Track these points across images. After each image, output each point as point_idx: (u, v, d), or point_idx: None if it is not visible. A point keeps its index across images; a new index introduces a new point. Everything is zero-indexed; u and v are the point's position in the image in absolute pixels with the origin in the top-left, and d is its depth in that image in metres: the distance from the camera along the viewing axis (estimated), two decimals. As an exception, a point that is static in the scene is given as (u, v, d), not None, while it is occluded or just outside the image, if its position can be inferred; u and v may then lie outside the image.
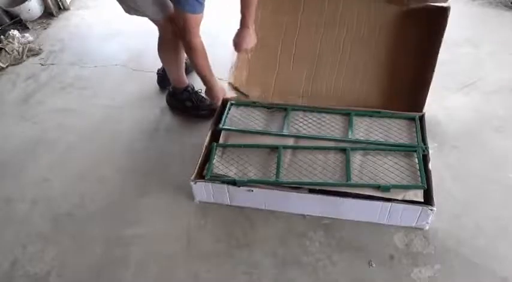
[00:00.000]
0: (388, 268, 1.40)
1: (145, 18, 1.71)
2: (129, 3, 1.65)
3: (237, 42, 1.75)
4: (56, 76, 2.36)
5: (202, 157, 1.60)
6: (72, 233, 1.58)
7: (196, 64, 1.65)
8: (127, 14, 1.71)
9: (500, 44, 2.35)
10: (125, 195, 1.69)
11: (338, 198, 1.46)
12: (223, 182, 1.52)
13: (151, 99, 2.14)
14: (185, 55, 1.87)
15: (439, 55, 2.36)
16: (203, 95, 1.94)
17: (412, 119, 1.71)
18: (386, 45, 1.82)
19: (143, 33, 1.95)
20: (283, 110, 1.78)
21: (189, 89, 1.97)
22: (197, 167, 1.56)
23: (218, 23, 2.44)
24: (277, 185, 1.51)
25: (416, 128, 1.66)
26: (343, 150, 1.60)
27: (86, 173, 1.79)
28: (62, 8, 2.95)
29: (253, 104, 1.82)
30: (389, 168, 1.53)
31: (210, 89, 1.77)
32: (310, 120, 1.73)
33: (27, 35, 2.65)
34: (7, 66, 2.45)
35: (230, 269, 1.43)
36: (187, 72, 2.22)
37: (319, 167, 1.56)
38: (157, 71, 2.16)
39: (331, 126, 1.71)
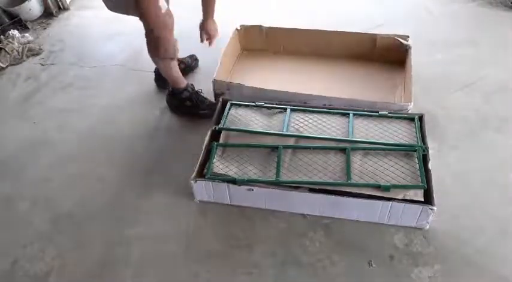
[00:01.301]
0: (388, 268, 1.40)
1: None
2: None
3: (211, 34, 1.98)
4: (56, 76, 2.36)
5: (203, 157, 1.60)
6: (72, 233, 1.57)
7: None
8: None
9: (500, 44, 2.35)
10: (124, 195, 1.69)
11: (338, 197, 1.46)
12: (223, 181, 1.52)
13: (151, 99, 2.15)
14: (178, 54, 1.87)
15: (439, 55, 2.38)
16: (203, 94, 1.95)
17: (412, 119, 1.71)
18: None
19: (143, 33, 1.95)
20: (283, 110, 1.78)
21: (189, 88, 1.96)
22: (197, 167, 1.56)
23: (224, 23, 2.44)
24: (278, 184, 1.51)
25: (416, 128, 1.66)
26: (343, 150, 1.60)
27: (86, 173, 1.79)
28: (62, 8, 2.95)
29: (253, 104, 1.82)
30: (389, 168, 1.53)
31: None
32: (310, 121, 1.73)
33: (27, 35, 2.65)
34: (7, 66, 2.45)
35: (230, 269, 1.43)
36: (187, 72, 2.23)
37: (319, 166, 1.56)
38: (155, 69, 2.16)
39: (331, 126, 1.71)
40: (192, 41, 2.53)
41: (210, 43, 2.04)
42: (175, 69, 1.89)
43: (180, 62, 2.18)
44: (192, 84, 1.99)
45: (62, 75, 2.36)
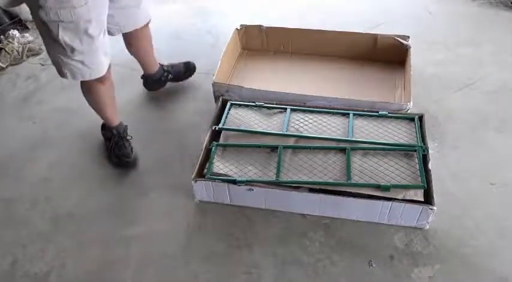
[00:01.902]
0: (388, 268, 1.40)
1: None
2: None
3: None
4: (56, 76, 2.32)
5: (202, 157, 1.60)
6: (72, 233, 1.57)
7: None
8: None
9: (500, 44, 2.35)
10: (124, 195, 1.69)
11: (338, 197, 1.46)
12: (223, 181, 1.52)
13: (151, 99, 2.15)
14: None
15: (439, 55, 2.37)
16: (129, 141, 1.80)
17: (412, 119, 1.71)
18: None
19: (143, 33, 1.96)
20: (283, 110, 1.78)
21: (114, 131, 1.77)
22: (197, 167, 1.56)
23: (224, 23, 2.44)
24: (278, 184, 1.51)
25: (416, 128, 1.66)
26: (343, 150, 1.60)
27: (86, 173, 1.79)
28: (62, 8, 2.95)
29: (253, 105, 1.82)
30: (389, 168, 1.53)
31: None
32: (310, 121, 1.73)
33: (27, 35, 2.65)
34: (7, 66, 2.45)
35: (230, 269, 1.43)
36: (175, 80, 2.16)
37: (319, 166, 1.56)
38: (141, 76, 2.11)
39: (331, 126, 1.71)
40: (191, 41, 2.54)
41: None
42: (105, 102, 1.68)
43: (168, 72, 2.09)
44: (121, 128, 1.79)
45: (62, 75, 2.36)
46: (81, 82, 1.56)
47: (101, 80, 1.54)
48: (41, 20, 1.28)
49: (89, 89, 1.60)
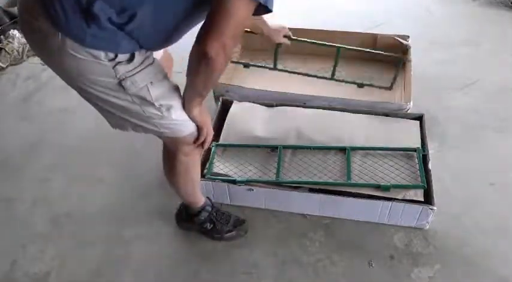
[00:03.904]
0: (388, 268, 1.40)
1: None
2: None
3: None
4: (56, 76, 2.33)
5: (203, 157, 1.60)
6: (72, 233, 1.57)
7: None
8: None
9: (500, 44, 2.36)
10: (124, 195, 1.69)
11: (338, 197, 1.46)
12: (223, 181, 1.52)
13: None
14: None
15: (439, 55, 2.37)
16: (224, 210, 1.52)
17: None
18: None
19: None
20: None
21: (207, 207, 1.47)
22: (197, 167, 1.56)
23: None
24: (278, 184, 1.51)
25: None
26: (343, 150, 1.60)
27: (86, 173, 1.79)
28: (62, 8, 2.95)
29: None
30: (389, 168, 1.53)
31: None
32: (310, 120, 1.73)
33: (27, 35, 2.65)
34: (7, 66, 2.45)
35: (230, 269, 1.43)
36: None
37: (319, 166, 1.56)
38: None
39: (331, 126, 1.71)
40: (191, 40, 2.54)
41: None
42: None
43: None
44: (208, 200, 1.49)
45: (62, 75, 2.36)
46: (171, 161, 1.22)
47: (190, 140, 1.14)
48: (120, 99, 0.99)
49: (184, 164, 1.22)
